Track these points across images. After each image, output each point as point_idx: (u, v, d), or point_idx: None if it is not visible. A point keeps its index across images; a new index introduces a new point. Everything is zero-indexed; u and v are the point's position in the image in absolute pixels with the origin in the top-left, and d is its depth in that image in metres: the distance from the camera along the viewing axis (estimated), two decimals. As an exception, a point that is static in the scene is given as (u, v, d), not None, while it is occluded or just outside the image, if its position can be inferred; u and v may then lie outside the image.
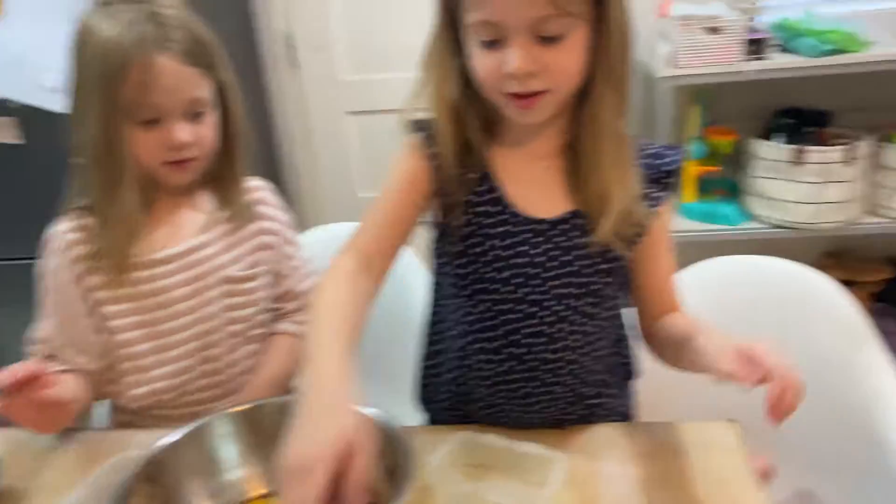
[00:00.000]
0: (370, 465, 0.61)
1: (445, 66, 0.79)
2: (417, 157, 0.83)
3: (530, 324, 0.84)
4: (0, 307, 1.85)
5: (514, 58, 0.71)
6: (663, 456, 0.83)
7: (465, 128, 0.81)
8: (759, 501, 0.76)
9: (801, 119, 1.98)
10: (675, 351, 0.84)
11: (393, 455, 0.70)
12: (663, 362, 0.90)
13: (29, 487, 0.86)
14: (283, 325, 1.09)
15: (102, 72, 0.91)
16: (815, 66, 1.79)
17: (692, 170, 2.02)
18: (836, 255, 2.25)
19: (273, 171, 2.41)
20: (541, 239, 0.82)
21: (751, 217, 2.01)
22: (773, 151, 1.89)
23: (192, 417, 0.97)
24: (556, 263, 0.82)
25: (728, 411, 0.92)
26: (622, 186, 0.79)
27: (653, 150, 0.85)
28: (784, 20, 1.91)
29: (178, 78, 0.92)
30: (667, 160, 0.84)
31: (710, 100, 2.05)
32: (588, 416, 0.90)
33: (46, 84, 1.56)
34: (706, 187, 2.11)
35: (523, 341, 0.85)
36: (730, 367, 0.67)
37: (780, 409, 0.65)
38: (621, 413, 0.95)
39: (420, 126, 0.84)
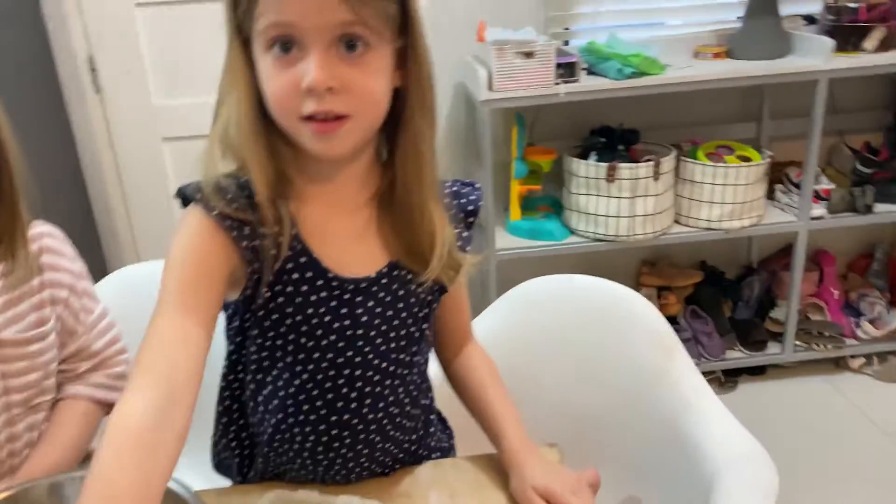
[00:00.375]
0: None
1: (242, 94, 0.69)
2: (209, 230, 0.70)
3: (356, 387, 0.79)
4: None
5: (313, 68, 0.64)
6: (490, 486, 0.83)
7: (275, 162, 0.71)
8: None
9: (613, 137, 2.10)
10: (474, 410, 0.90)
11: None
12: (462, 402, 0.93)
13: None
14: (75, 388, 0.97)
15: None
16: (621, 88, 1.90)
17: (516, 188, 2.08)
18: (653, 263, 2.41)
19: (81, 206, 2.21)
20: (360, 298, 0.77)
21: (572, 232, 2.10)
22: (587, 169, 1.99)
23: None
24: (378, 321, 0.78)
25: (547, 435, 0.93)
26: (443, 224, 0.76)
27: (453, 188, 0.84)
28: (591, 44, 2.01)
29: None
30: (469, 199, 0.84)
31: (530, 121, 2.13)
32: (410, 459, 0.88)
33: None
34: (530, 205, 2.18)
35: (350, 406, 0.79)
36: None
37: None
38: (443, 448, 0.94)
39: (205, 190, 0.70)
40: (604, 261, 2.13)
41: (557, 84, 1.87)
